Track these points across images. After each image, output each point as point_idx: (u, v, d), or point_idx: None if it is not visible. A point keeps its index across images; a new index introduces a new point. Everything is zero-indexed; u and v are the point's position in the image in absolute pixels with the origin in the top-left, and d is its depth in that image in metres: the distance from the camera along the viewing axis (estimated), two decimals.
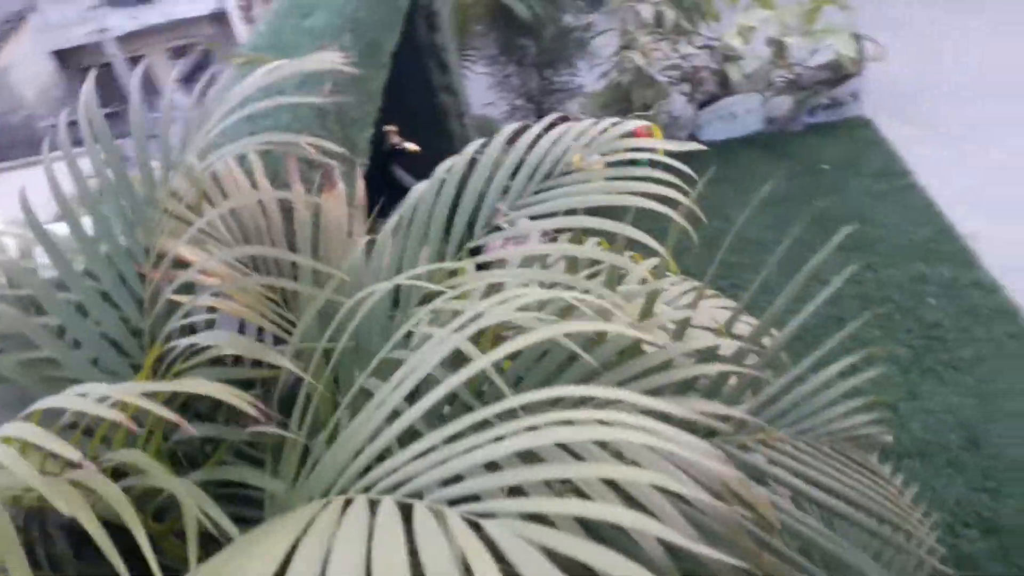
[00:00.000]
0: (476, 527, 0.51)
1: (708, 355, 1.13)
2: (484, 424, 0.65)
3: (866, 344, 3.26)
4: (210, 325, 1.10)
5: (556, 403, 0.75)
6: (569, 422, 0.58)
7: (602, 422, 0.61)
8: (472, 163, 1.15)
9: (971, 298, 3.22)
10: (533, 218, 1.10)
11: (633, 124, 1.13)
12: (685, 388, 1.10)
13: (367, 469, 0.68)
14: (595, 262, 1.27)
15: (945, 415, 2.72)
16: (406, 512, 0.55)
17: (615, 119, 1.18)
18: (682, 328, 1.13)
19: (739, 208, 4.34)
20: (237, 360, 1.10)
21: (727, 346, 1.16)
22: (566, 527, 0.59)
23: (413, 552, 0.50)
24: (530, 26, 4.28)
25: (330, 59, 1.30)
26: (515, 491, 0.68)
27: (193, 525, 0.64)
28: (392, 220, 1.21)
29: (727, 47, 4.64)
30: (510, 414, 0.64)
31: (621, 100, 4.60)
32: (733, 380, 1.15)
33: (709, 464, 0.76)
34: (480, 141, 1.24)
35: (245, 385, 1.09)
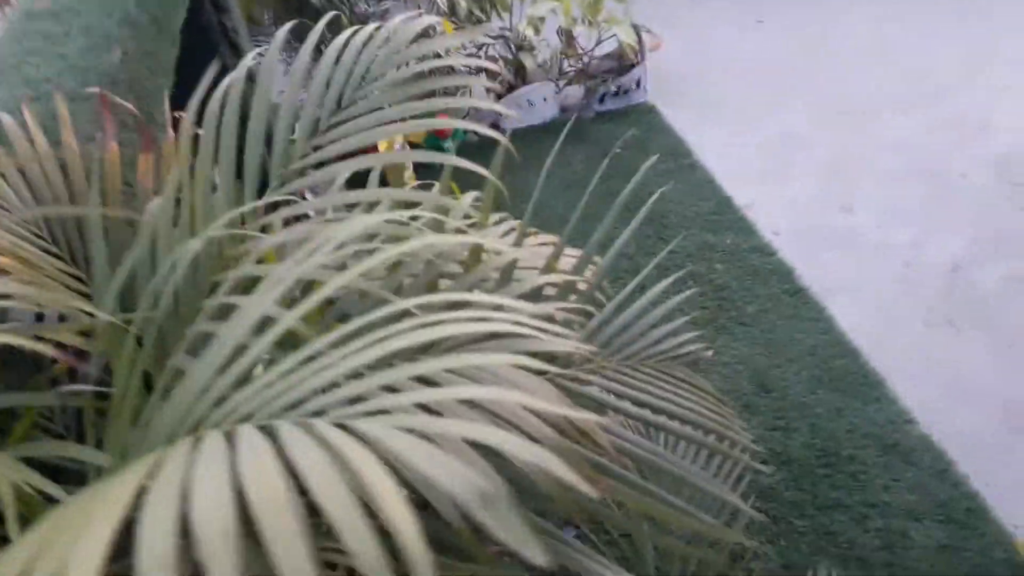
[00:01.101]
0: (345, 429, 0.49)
1: (536, 294, 1.16)
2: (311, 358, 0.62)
3: (666, 308, 3.44)
4: None
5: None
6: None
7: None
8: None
9: (751, 261, 3.56)
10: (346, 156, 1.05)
11: (429, 19, 1.10)
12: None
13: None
14: (413, 205, 1.25)
15: (738, 365, 2.99)
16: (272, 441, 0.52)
17: (407, 15, 1.14)
18: (510, 269, 1.14)
19: (544, 190, 4.49)
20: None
21: (552, 283, 1.19)
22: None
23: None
24: (324, 13, 4.16)
25: None
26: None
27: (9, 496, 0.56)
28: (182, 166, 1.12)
29: (520, 37, 4.78)
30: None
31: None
32: (559, 317, 1.19)
33: (545, 397, 0.78)
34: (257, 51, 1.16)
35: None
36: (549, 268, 1.08)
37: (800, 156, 4.29)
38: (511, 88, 4.86)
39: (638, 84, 4.92)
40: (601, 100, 4.97)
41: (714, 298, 3.36)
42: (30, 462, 0.81)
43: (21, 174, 1.05)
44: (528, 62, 4.74)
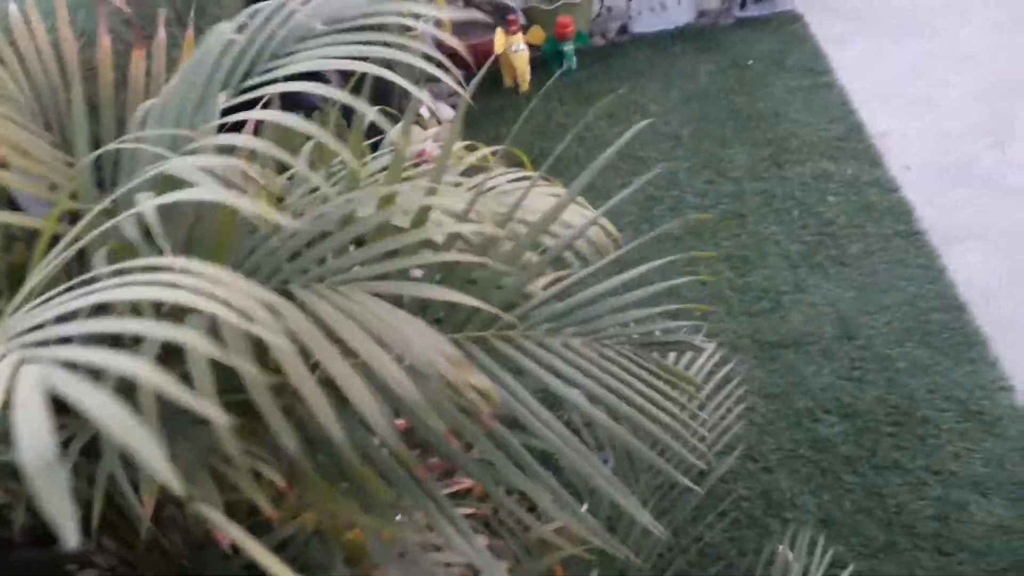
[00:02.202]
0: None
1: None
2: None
3: (762, 239, 3.29)
4: None
5: None
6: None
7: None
8: None
9: (869, 196, 3.27)
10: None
11: None
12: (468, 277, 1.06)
13: None
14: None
15: (825, 307, 2.81)
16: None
17: None
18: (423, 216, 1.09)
19: (662, 103, 4.31)
20: None
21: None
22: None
23: None
24: None
25: None
26: None
27: None
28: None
29: None
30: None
31: None
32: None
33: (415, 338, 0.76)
34: None
35: None
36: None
37: (962, 78, 3.81)
38: None
39: None
40: (742, 5, 4.60)
41: (816, 233, 3.14)
42: None
43: (21, 64, 1.13)
44: None
